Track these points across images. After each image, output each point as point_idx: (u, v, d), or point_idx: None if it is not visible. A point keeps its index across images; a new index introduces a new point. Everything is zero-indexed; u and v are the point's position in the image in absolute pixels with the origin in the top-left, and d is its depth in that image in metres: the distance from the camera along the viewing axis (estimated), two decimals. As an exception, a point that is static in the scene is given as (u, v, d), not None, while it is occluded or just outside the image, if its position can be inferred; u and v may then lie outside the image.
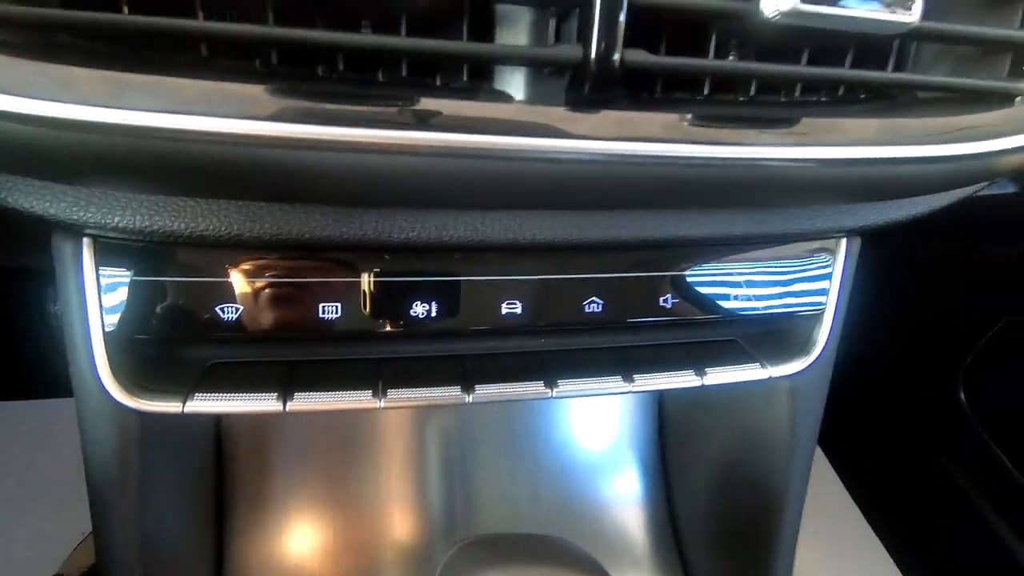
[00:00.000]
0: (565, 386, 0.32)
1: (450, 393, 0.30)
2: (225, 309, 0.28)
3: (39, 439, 0.89)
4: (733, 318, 0.34)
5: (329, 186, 0.22)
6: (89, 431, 0.27)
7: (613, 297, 0.31)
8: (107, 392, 0.27)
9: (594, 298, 0.31)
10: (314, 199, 0.25)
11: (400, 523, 0.36)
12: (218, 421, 0.34)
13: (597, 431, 0.43)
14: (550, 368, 0.32)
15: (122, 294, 0.27)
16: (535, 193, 0.24)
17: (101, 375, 0.27)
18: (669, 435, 0.43)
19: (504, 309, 0.30)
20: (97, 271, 0.26)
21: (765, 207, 0.30)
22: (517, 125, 0.22)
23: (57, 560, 0.75)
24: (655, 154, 0.23)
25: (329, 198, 0.25)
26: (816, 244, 0.35)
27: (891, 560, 0.81)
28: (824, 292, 0.35)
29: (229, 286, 0.27)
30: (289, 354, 0.30)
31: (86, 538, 0.77)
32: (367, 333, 0.30)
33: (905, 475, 0.78)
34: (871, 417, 0.83)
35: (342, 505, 0.35)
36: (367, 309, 0.29)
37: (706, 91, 0.25)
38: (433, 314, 0.29)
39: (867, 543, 0.82)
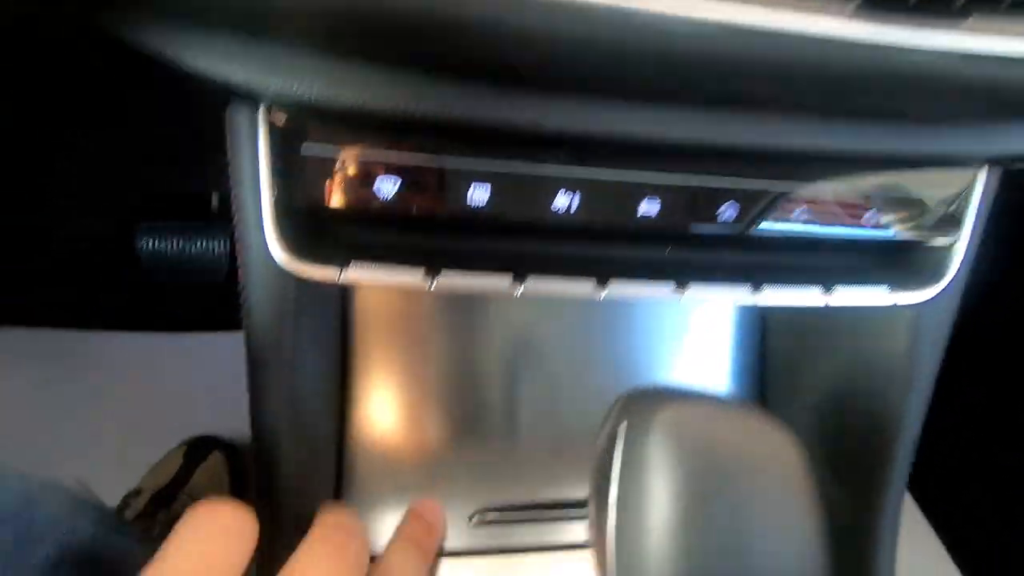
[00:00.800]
0: (696, 290, 0.32)
1: (584, 287, 0.31)
2: (380, 188, 0.29)
3: (132, 371, 0.95)
4: (863, 240, 0.34)
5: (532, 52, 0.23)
6: (253, 296, 0.29)
7: (749, 203, 0.32)
8: (272, 258, 0.28)
9: (732, 201, 0.32)
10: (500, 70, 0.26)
11: (507, 403, 0.38)
12: (347, 302, 0.36)
13: (697, 359, 0.43)
14: (682, 272, 0.32)
15: (290, 164, 0.28)
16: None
17: (268, 242, 0.28)
18: (771, 368, 0.43)
19: (642, 210, 0.31)
20: (270, 141, 0.28)
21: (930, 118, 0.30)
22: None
23: (136, 478, 0.81)
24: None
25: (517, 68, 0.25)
26: (955, 172, 0.34)
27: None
28: (959, 222, 0.34)
29: (386, 166, 0.29)
30: (435, 239, 0.31)
31: (163, 459, 0.82)
32: (509, 225, 0.31)
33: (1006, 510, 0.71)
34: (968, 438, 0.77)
35: (454, 382, 0.37)
36: (511, 198, 0.30)
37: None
38: (574, 208, 0.30)
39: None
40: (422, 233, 0.32)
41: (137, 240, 0.96)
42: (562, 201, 0.30)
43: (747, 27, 0.24)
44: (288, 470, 0.33)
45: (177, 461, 0.80)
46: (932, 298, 0.35)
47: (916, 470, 0.38)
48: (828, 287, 0.33)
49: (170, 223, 0.97)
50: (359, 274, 0.29)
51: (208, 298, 1.04)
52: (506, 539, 0.37)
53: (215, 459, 0.80)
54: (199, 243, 0.97)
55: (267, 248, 0.28)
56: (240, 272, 0.30)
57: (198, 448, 0.82)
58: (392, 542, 0.31)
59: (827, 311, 0.33)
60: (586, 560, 0.36)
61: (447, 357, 0.38)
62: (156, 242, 0.96)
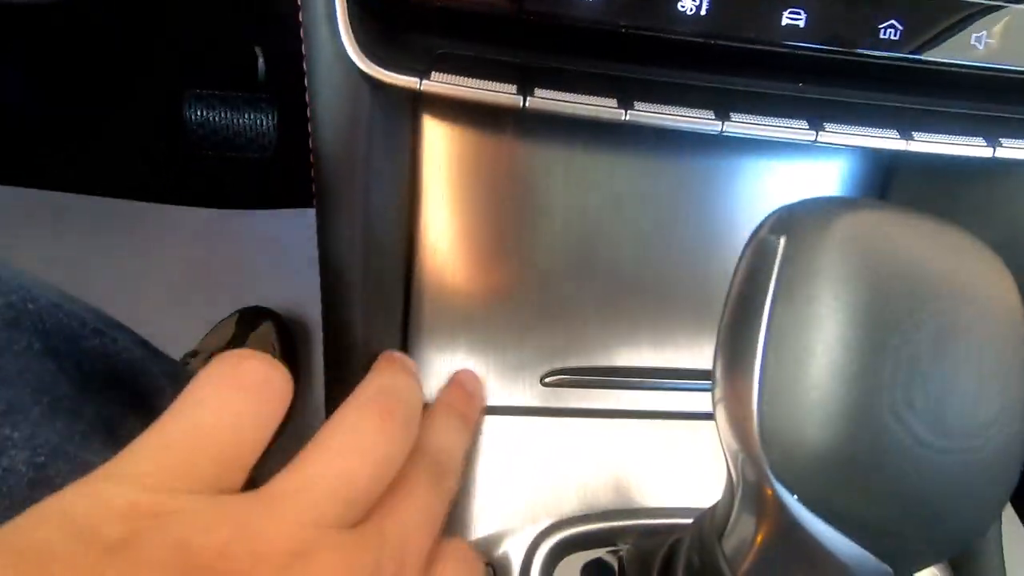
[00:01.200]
0: (832, 131, 0.27)
1: (703, 117, 0.26)
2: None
3: (185, 243, 0.96)
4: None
5: None
6: (321, 105, 0.26)
7: (915, 23, 0.26)
8: (348, 55, 0.24)
9: (893, 21, 0.26)
10: None
11: (585, 262, 0.35)
12: (416, 135, 0.32)
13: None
14: (818, 110, 0.27)
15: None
16: None
17: (341, 33, 0.24)
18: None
19: (786, 19, 0.25)
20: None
21: None
22: None
23: (193, 341, 0.84)
24: None
25: None
26: None
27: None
28: None
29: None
30: (525, 55, 0.27)
31: (217, 325, 0.84)
32: (620, 36, 0.26)
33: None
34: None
35: (530, 235, 0.34)
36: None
37: None
38: (703, 9, 0.25)
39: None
40: (515, 44, 0.27)
41: (184, 109, 0.94)
42: (687, 3, 0.25)
43: None
44: (355, 313, 0.30)
45: (231, 328, 0.82)
46: (1118, 161, 0.29)
47: None
48: (995, 138, 0.28)
49: (217, 92, 0.94)
50: (443, 84, 0.25)
51: (256, 175, 1.03)
52: (579, 402, 0.35)
53: (266, 327, 0.82)
54: (247, 114, 0.94)
55: (341, 44, 0.24)
56: (307, 78, 0.26)
57: (250, 316, 0.84)
58: (434, 409, 0.30)
59: (992, 163, 0.27)
60: (675, 428, 0.33)
61: (523, 208, 0.34)
62: (203, 111, 0.93)
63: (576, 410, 0.34)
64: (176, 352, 0.80)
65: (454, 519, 0.32)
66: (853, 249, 0.15)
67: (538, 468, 0.33)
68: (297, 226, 0.97)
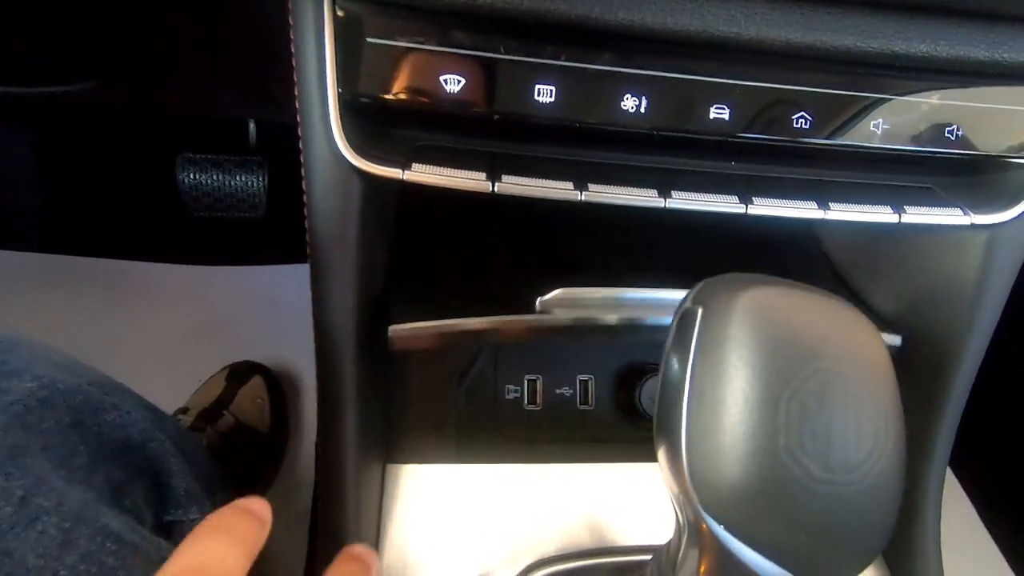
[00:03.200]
0: (760, 205, 0.31)
1: (647, 196, 0.30)
2: (445, 83, 0.28)
3: (177, 300, 0.99)
4: (941, 157, 0.32)
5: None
6: (317, 194, 0.30)
7: (823, 114, 0.30)
8: (338, 150, 0.28)
9: (803, 113, 0.30)
10: None
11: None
12: (399, 208, 0.36)
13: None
14: (748, 186, 0.31)
15: (355, 56, 0.28)
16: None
17: (334, 134, 0.28)
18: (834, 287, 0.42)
19: (712, 113, 0.30)
20: (335, 33, 0.28)
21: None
22: None
23: (184, 397, 0.85)
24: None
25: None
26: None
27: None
28: (1045, 141, 0.33)
29: (450, 60, 0.28)
30: (498, 142, 0.31)
31: (207, 381, 0.86)
32: (574, 129, 0.30)
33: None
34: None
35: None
36: (577, 99, 0.29)
37: None
38: (643, 109, 0.29)
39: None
40: (485, 135, 0.31)
41: (177, 172, 0.98)
42: (630, 103, 0.29)
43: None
44: (351, 381, 0.33)
45: (220, 383, 0.83)
46: (1009, 220, 0.33)
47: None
48: (900, 206, 0.32)
49: (208, 155, 0.98)
50: (423, 173, 0.29)
51: (247, 233, 1.06)
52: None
53: (256, 382, 0.84)
54: (238, 176, 0.98)
55: (334, 143, 0.28)
56: (303, 171, 0.30)
57: (239, 372, 0.85)
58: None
59: (897, 230, 0.32)
60: (640, 472, 0.36)
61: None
62: (195, 174, 0.98)
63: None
64: (168, 408, 0.82)
65: (442, 562, 0.34)
66: (754, 319, 0.19)
67: (516, 513, 0.35)
68: (286, 281, 1.00)
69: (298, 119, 0.30)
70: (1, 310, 0.94)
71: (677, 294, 0.35)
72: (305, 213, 0.30)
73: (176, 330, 0.96)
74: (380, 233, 0.33)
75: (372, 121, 0.30)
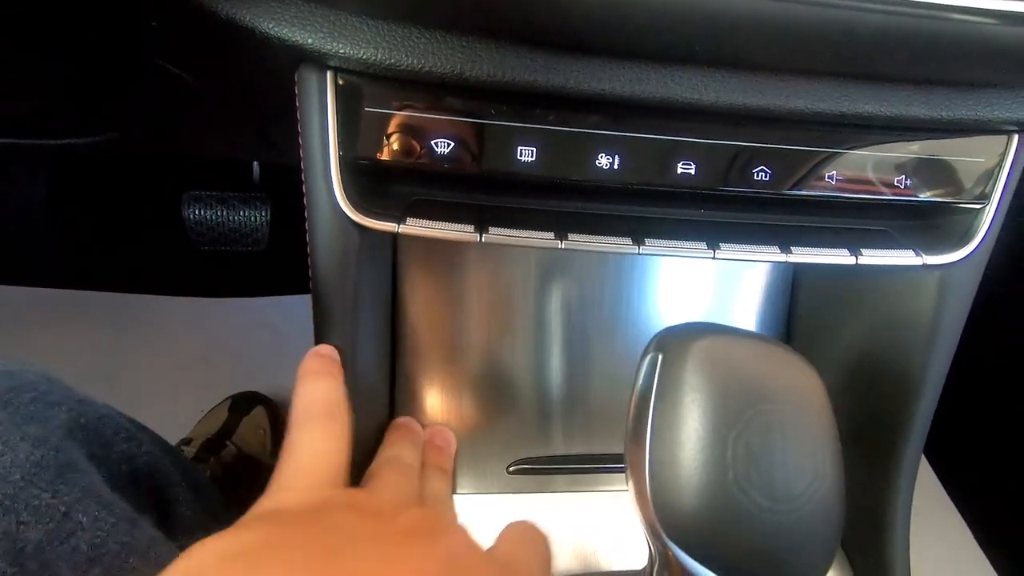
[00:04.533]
0: (727, 250, 0.34)
1: (622, 243, 0.33)
2: (435, 145, 0.31)
3: (182, 332, 1.01)
4: (894, 203, 0.35)
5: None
6: (320, 248, 0.32)
7: (783, 167, 0.33)
8: (340, 208, 0.31)
9: (763, 167, 0.33)
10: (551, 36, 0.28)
11: (542, 363, 0.41)
12: (396, 261, 0.38)
13: (725, 313, 0.45)
14: (715, 232, 0.34)
15: (354, 122, 0.31)
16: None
17: (335, 191, 0.31)
18: (797, 324, 0.45)
19: (680, 168, 0.33)
20: (337, 101, 0.31)
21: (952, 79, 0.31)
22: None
23: (187, 427, 0.87)
24: None
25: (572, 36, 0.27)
26: (986, 138, 0.35)
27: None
28: (990, 187, 0.35)
29: (441, 125, 0.31)
30: (485, 197, 0.34)
31: (210, 411, 0.88)
32: (554, 184, 0.33)
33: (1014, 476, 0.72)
34: (978, 412, 0.78)
35: (492, 342, 0.40)
36: (556, 158, 0.32)
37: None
38: (615, 166, 0.32)
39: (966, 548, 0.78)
40: (473, 191, 0.34)
41: (183, 208, 1.01)
42: (604, 161, 0.32)
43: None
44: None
45: (223, 414, 0.85)
46: (959, 260, 0.36)
47: (934, 435, 0.40)
48: (857, 249, 0.35)
49: (213, 192, 1.02)
50: (416, 227, 0.32)
51: (251, 266, 1.09)
52: (542, 488, 0.40)
53: (258, 412, 0.85)
54: (241, 212, 1.02)
55: (335, 200, 0.31)
56: (307, 226, 0.33)
57: (242, 402, 0.87)
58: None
59: (856, 270, 0.34)
60: (617, 497, 0.38)
61: (484, 323, 0.41)
62: (200, 210, 1.01)
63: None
64: (171, 439, 0.83)
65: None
66: (706, 366, 0.22)
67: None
68: (288, 312, 1.03)
69: (303, 177, 0.33)
70: (11, 343, 0.97)
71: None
72: (308, 261, 0.33)
73: (180, 361, 0.99)
74: (379, 276, 0.36)
75: (369, 179, 0.33)
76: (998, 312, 0.57)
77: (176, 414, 0.85)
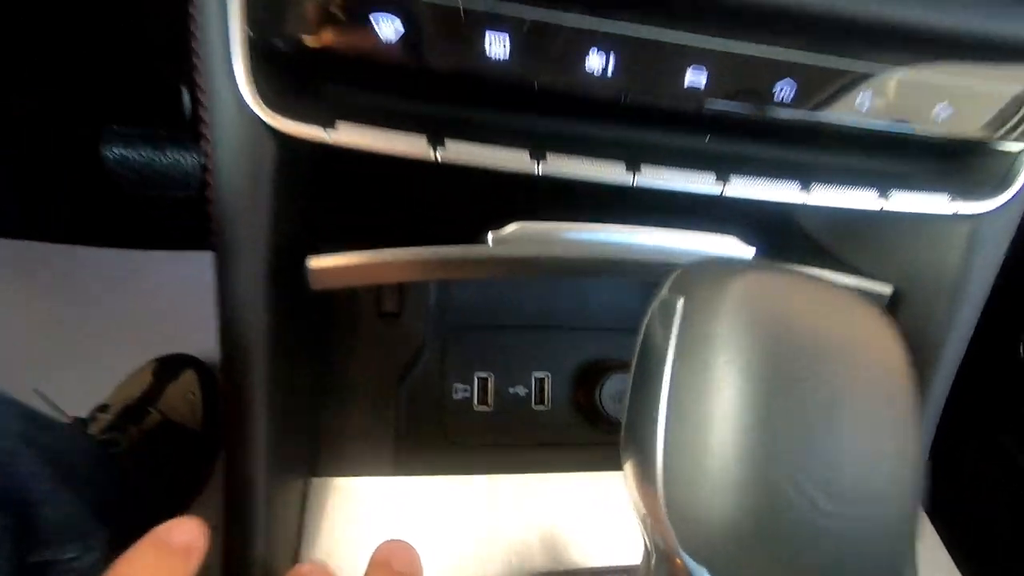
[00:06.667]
0: (737, 183, 0.28)
1: (613, 169, 0.27)
2: (378, 28, 0.24)
3: (105, 286, 0.91)
4: (928, 140, 0.30)
5: None
6: (221, 157, 0.25)
7: (809, 84, 0.27)
8: (246, 104, 0.23)
9: (788, 79, 0.27)
10: None
11: None
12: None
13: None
14: (723, 162, 0.28)
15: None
16: None
17: (240, 83, 0.23)
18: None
19: (688, 78, 0.26)
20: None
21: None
22: None
23: (104, 393, 0.78)
24: None
25: None
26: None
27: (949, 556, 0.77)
28: (1033, 124, 0.30)
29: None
30: (443, 106, 0.26)
31: (132, 375, 0.79)
32: (532, 91, 0.26)
33: (961, 457, 0.70)
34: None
35: None
36: (536, 53, 0.25)
37: None
38: (609, 71, 0.25)
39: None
40: (427, 98, 0.27)
41: (102, 146, 0.89)
42: (596, 62, 0.25)
43: None
44: (261, 374, 0.29)
45: (147, 378, 0.76)
46: (993, 210, 0.31)
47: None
48: (885, 191, 0.29)
49: (137, 129, 0.90)
50: (350, 135, 0.24)
51: (181, 215, 0.98)
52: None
53: (187, 376, 0.77)
54: (168, 152, 0.91)
55: (239, 94, 0.23)
56: (205, 129, 0.25)
57: (169, 365, 0.78)
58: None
59: (881, 215, 0.29)
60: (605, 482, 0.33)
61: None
62: (122, 149, 0.89)
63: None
64: (86, 405, 0.74)
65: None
66: (747, 314, 0.15)
67: (461, 533, 0.31)
68: (224, 267, 0.93)
69: (196, 66, 0.24)
70: None
71: (662, 237, 0.30)
72: (209, 183, 0.25)
73: (100, 319, 0.88)
74: (298, 202, 0.28)
75: (289, 74, 0.25)
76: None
77: (93, 378, 0.76)
